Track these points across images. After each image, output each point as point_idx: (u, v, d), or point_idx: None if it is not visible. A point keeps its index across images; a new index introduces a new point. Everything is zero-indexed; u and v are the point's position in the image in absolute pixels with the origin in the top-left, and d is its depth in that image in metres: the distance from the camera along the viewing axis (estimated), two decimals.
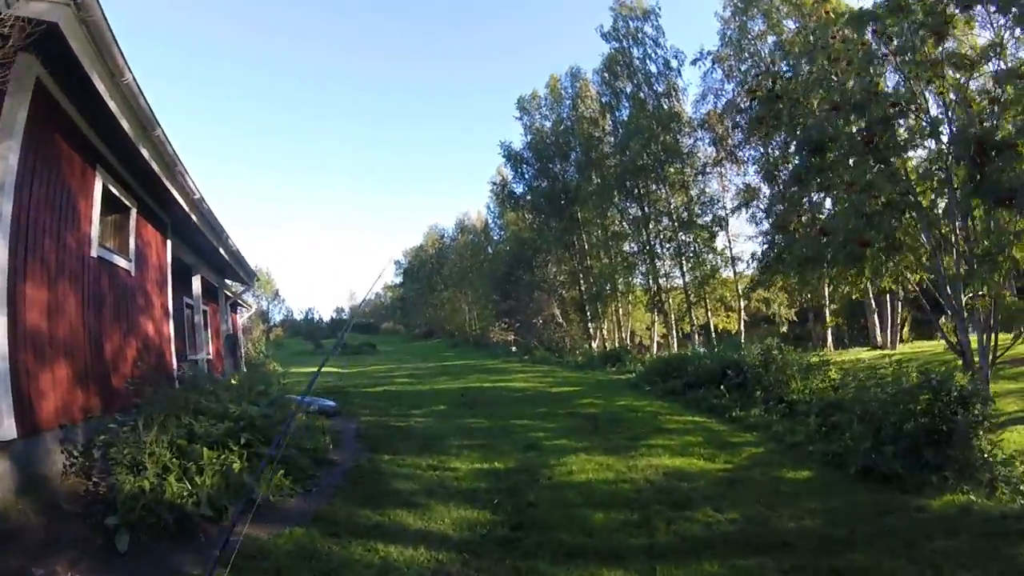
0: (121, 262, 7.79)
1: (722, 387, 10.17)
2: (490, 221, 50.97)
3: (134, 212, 8.40)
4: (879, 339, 25.05)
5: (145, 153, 7.12)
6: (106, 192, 7.25)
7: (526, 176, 36.89)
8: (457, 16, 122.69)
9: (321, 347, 45.32)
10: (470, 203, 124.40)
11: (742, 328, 30.80)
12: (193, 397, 6.45)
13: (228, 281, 16.59)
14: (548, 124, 36.57)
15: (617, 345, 32.55)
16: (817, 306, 27.15)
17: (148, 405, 6.16)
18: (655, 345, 33.10)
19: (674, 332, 31.93)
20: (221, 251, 11.79)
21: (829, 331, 26.65)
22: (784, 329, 34.55)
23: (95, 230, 6.98)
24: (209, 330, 17.36)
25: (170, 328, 9.70)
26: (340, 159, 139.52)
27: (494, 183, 43.12)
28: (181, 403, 6.18)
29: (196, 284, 12.54)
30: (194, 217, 9.49)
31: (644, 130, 27.87)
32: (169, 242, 9.96)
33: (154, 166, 7.55)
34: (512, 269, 37.21)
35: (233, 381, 7.94)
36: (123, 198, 7.91)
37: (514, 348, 32.55)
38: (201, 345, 12.67)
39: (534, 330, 33.23)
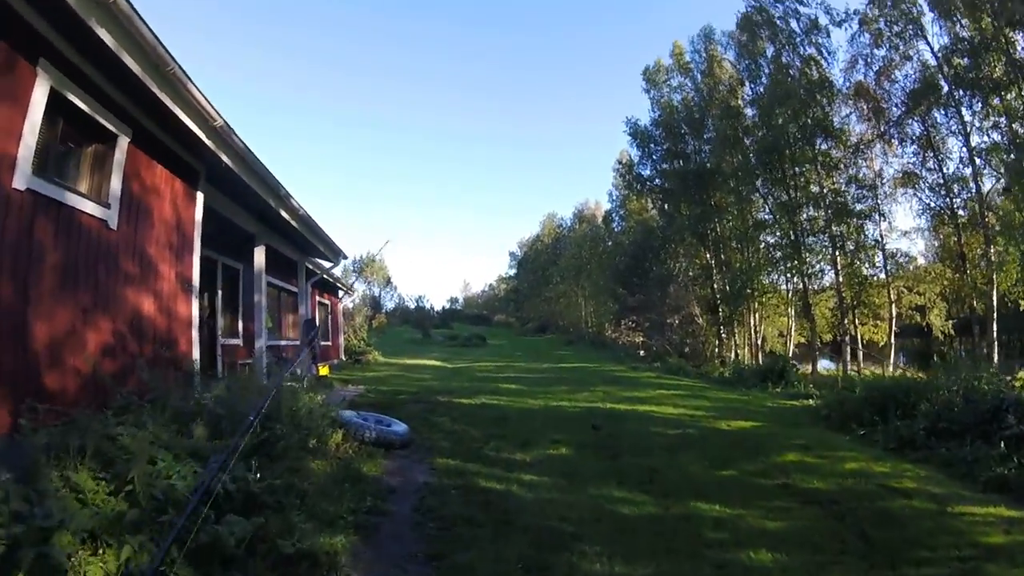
0: (88, 208, 5.19)
1: (1003, 443, 6.22)
2: (611, 209, 46.79)
3: (124, 142, 5.79)
4: None
5: (105, 37, 4.52)
6: (58, 101, 4.76)
7: (654, 156, 32.83)
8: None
9: (430, 336, 43.57)
10: (590, 193, 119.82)
11: (892, 340, 25.58)
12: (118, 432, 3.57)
13: (321, 261, 14.22)
14: (678, 97, 32.02)
15: (750, 354, 27.98)
16: (984, 314, 21.53)
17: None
18: (790, 355, 27.91)
19: (817, 341, 26.50)
20: (285, 215, 9.19)
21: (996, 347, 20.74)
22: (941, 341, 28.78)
23: (27, 150, 4.34)
24: (284, 312, 15.15)
25: (192, 308, 7.06)
26: (460, 151, 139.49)
27: (619, 163, 39.01)
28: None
29: (259, 257, 9.99)
30: (224, 158, 6.82)
31: (793, 95, 22.83)
32: (200, 194, 7.33)
33: (127, 61, 4.83)
34: (637, 261, 33.09)
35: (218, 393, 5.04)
36: (100, 118, 5.35)
37: (642, 352, 28.41)
38: (260, 330, 10.11)
39: (667, 331, 28.76)
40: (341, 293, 24.28)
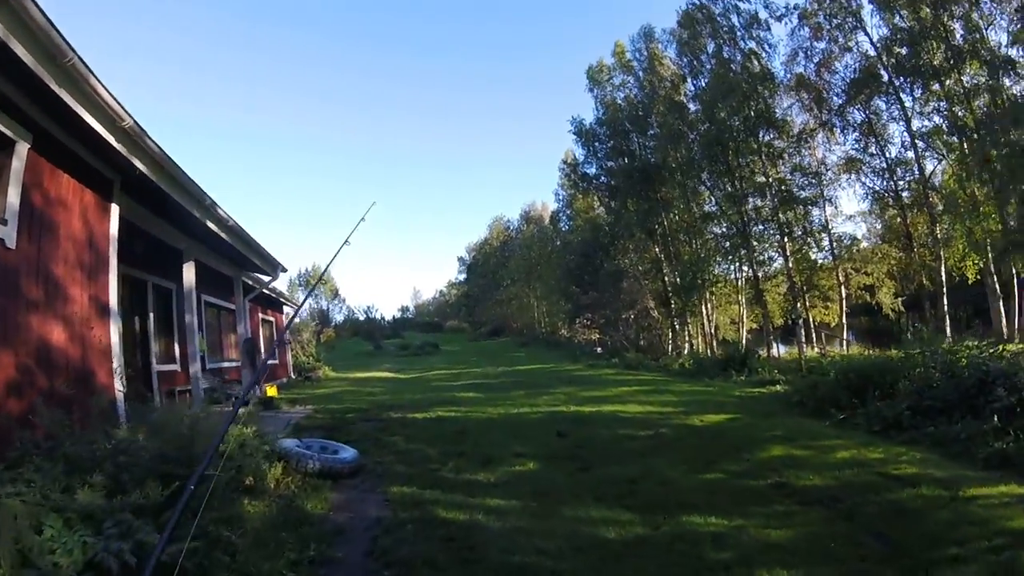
0: None
1: (995, 417, 6.09)
2: (558, 208, 46.82)
3: (23, 148, 5.11)
4: (1004, 330, 19.85)
5: None
6: None
7: (599, 154, 32.99)
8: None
9: (381, 347, 42.48)
10: (537, 194, 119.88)
11: (844, 320, 26.48)
12: None
13: (261, 276, 13.38)
14: (621, 95, 32.27)
15: (704, 343, 28.38)
16: (933, 290, 22.51)
17: None
18: (743, 343, 28.49)
19: (769, 327, 27.10)
20: (213, 227, 8.46)
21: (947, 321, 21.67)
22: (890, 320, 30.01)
23: None
24: (225, 332, 14.27)
25: (111, 334, 6.30)
26: (404, 155, 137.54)
27: (564, 163, 39.05)
28: None
29: (188, 273, 9.23)
30: (138, 164, 6.16)
31: (736, 88, 23.24)
32: (115, 207, 6.59)
33: (17, 50, 4.34)
34: (587, 259, 33.10)
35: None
36: None
37: (599, 349, 28.26)
38: (194, 354, 9.34)
39: (622, 327, 28.72)
40: (286, 308, 23.24)
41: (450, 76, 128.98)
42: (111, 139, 5.61)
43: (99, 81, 5.05)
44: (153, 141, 6.08)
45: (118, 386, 6.32)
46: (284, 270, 12.56)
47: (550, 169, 65.73)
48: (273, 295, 18.67)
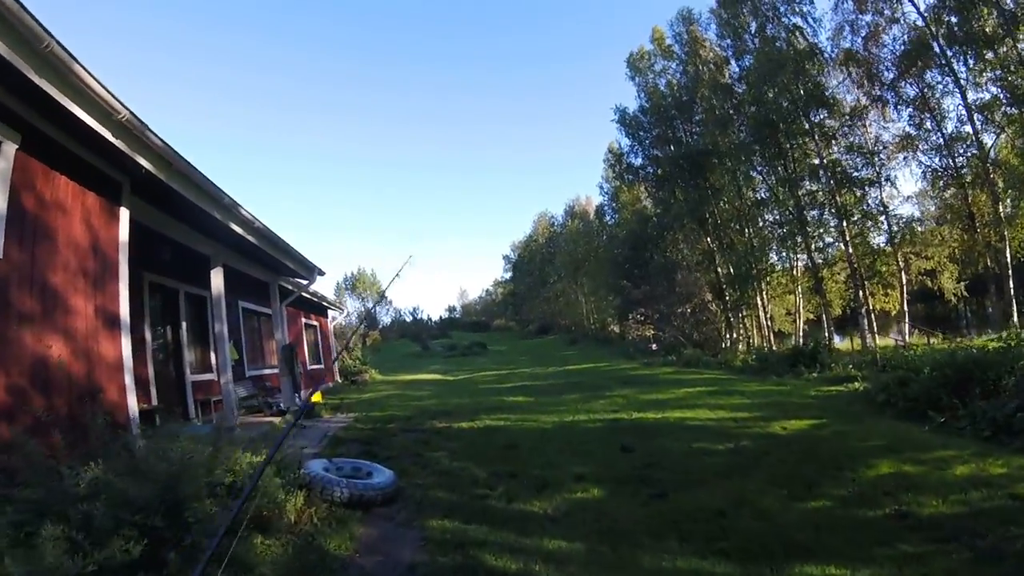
0: None
1: None
2: (603, 202, 45.61)
3: (10, 149, 4.71)
4: None
5: None
6: None
7: (645, 143, 31.74)
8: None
9: (428, 348, 42.20)
10: (581, 190, 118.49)
11: (905, 308, 24.81)
12: None
13: (300, 280, 12.90)
14: (663, 81, 31.01)
15: (759, 336, 26.90)
16: (999, 272, 20.53)
17: None
18: (800, 335, 26.85)
19: (827, 318, 25.40)
20: (238, 229, 7.90)
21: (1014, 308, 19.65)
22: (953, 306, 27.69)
23: None
24: (265, 338, 13.88)
25: (122, 347, 5.74)
26: (450, 158, 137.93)
27: (608, 153, 37.93)
28: None
29: (216, 279, 8.74)
30: (143, 162, 5.65)
31: (787, 64, 21.78)
32: (125, 210, 6.05)
33: None
34: (636, 251, 31.92)
35: None
36: None
37: (654, 346, 27.04)
38: (225, 363, 8.85)
39: (677, 321, 27.41)
40: (331, 312, 22.96)
41: (486, 86, 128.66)
42: (107, 134, 5.06)
43: (85, 69, 4.49)
44: (156, 135, 5.50)
45: (131, 403, 5.77)
46: (322, 273, 12.03)
47: (593, 167, 64.12)
48: (315, 299, 18.32)
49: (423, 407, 11.89)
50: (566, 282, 51.01)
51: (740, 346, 25.83)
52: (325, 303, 20.42)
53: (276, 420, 9.90)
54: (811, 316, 30.40)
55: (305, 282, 12.68)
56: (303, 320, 18.52)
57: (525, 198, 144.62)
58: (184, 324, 10.52)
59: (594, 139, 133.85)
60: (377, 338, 44.64)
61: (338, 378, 20.64)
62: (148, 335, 9.06)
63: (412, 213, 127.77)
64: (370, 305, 59.66)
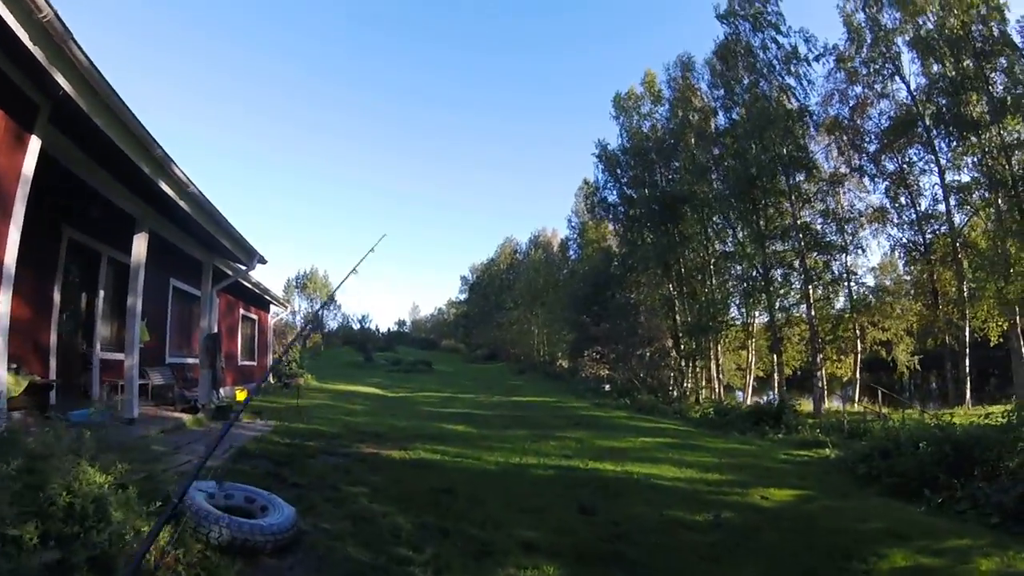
0: None
1: None
2: (569, 236, 45.42)
3: None
4: None
5: None
6: None
7: (621, 181, 31.71)
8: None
9: (372, 360, 40.50)
10: (547, 221, 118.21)
11: (858, 375, 25.44)
12: None
13: (241, 265, 11.60)
14: (647, 124, 31.15)
15: (708, 389, 26.93)
16: (956, 349, 21.05)
17: None
18: (749, 391, 26.88)
19: (780, 377, 25.45)
20: (168, 190, 6.71)
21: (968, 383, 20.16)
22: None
23: None
24: (194, 324, 12.51)
25: (1, 303, 4.57)
26: (418, 173, 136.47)
27: (584, 183, 37.86)
28: None
29: (138, 245, 7.53)
30: (60, 79, 4.55)
31: (777, 120, 21.97)
32: (35, 139, 4.93)
33: None
34: (597, 289, 31.49)
35: None
36: None
37: (607, 386, 26.34)
38: (133, 344, 7.58)
39: (634, 364, 26.86)
40: (273, 308, 21.46)
41: (463, 103, 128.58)
42: (24, 37, 3.99)
43: None
44: (81, 49, 4.46)
45: (3, 377, 4.56)
46: (263, 261, 10.86)
47: (563, 199, 64.10)
48: (257, 291, 16.90)
49: (354, 424, 10.72)
50: (522, 311, 50.21)
51: (693, 397, 25.42)
52: (268, 296, 18.98)
53: (185, 418, 8.60)
54: (760, 373, 30.51)
55: (244, 268, 11.43)
56: (241, 311, 17.07)
57: (490, 222, 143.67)
58: (101, 293, 9.20)
59: (566, 173, 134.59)
60: (318, 340, 42.47)
61: (270, 379, 19.12)
62: (57, 297, 7.79)
63: (381, 218, 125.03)
64: (317, 307, 57.41)
